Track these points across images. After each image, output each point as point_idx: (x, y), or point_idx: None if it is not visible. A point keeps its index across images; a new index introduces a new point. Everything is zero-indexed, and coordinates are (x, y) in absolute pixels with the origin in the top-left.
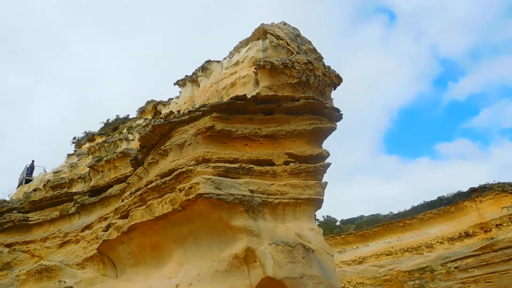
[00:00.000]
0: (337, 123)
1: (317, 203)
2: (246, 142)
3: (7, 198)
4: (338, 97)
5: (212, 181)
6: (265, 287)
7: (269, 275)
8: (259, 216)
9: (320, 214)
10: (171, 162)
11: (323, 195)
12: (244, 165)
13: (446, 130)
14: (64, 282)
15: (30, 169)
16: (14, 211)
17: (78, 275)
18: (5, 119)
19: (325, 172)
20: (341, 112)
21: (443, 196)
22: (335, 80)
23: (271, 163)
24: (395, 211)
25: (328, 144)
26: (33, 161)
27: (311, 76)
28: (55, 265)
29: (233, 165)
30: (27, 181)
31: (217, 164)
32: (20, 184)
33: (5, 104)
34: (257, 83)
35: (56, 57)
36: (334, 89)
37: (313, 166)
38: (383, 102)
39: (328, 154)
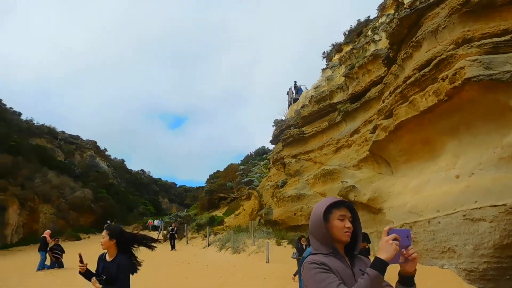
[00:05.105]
0: None
1: None
2: None
3: (283, 118)
4: None
5: (480, 62)
6: None
7: None
8: None
9: None
10: (426, 52)
11: None
12: None
13: None
14: (346, 182)
15: (295, 89)
16: (291, 128)
17: (357, 175)
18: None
19: None
20: None
21: None
22: None
23: None
24: None
25: None
26: (295, 82)
27: None
28: (335, 169)
29: (503, 38)
30: (294, 100)
31: (482, 41)
32: (289, 104)
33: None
34: None
35: None
36: None
37: None
38: None
39: None
